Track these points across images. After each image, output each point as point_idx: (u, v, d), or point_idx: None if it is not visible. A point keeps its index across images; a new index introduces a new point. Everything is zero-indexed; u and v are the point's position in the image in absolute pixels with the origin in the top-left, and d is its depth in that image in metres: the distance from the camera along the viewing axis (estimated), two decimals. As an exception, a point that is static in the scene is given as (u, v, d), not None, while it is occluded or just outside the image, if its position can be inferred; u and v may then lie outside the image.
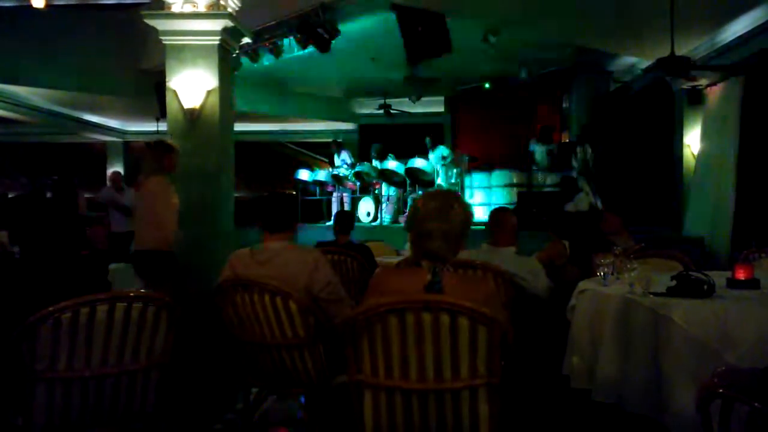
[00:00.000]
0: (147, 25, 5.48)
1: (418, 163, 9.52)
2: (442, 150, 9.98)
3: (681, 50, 6.60)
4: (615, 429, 2.83)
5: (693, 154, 8.20)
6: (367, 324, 1.97)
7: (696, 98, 8.03)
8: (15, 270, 2.38)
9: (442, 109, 12.58)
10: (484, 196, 10.75)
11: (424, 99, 10.94)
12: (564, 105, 11.42)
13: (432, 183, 9.38)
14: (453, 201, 2.12)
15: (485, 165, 10.67)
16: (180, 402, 2.65)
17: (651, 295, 2.63)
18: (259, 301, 2.65)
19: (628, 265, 2.92)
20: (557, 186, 9.25)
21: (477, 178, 10.69)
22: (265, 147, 15.41)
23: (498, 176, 10.65)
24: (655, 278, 2.73)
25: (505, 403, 2.04)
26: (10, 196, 11.12)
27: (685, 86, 7.98)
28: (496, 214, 3.71)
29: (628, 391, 2.61)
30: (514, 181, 10.27)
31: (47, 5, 8.34)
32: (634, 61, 9.05)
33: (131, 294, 2.26)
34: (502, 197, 10.39)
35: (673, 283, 2.66)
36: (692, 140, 8.21)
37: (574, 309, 2.96)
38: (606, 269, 3.01)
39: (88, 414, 2.18)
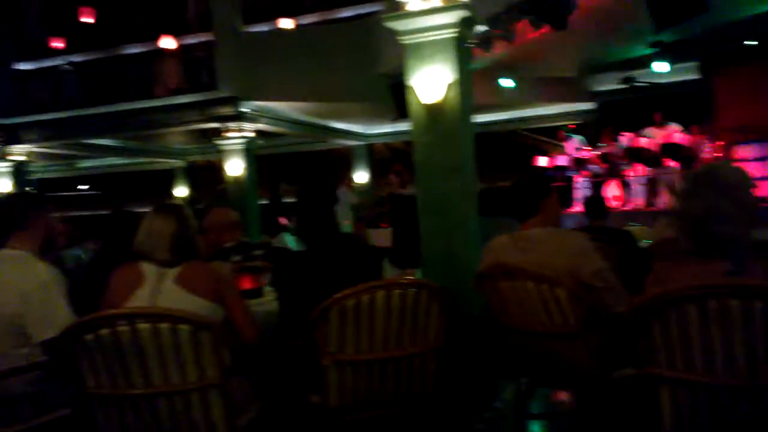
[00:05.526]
0: (379, 31, 5.71)
1: (675, 137, 8.58)
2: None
3: None
4: None
5: None
6: (660, 313, 1.77)
7: None
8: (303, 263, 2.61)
9: (696, 75, 11.17)
10: (760, 169, 9.29)
11: (673, 67, 9.83)
12: None
13: (692, 158, 8.38)
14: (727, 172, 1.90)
15: (759, 134, 9.20)
16: (449, 391, 2.68)
17: None
18: (522, 287, 2.56)
19: None
20: None
21: (749, 150, 9.29)
22: (500, 136, 15.26)
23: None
24: None
25: None
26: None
27: None
28: None
29: None
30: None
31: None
32: None
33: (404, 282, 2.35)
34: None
35: None
36: None
37: None
38: None
39: (374, 395, 2.30)
